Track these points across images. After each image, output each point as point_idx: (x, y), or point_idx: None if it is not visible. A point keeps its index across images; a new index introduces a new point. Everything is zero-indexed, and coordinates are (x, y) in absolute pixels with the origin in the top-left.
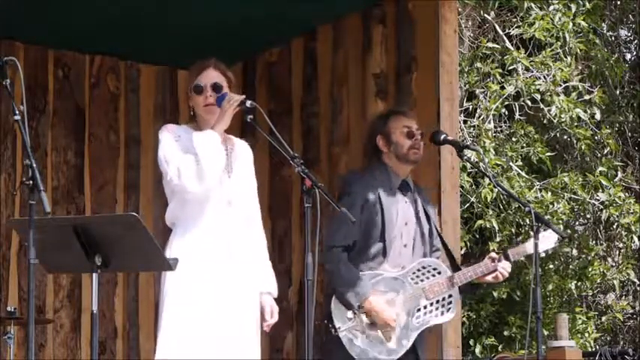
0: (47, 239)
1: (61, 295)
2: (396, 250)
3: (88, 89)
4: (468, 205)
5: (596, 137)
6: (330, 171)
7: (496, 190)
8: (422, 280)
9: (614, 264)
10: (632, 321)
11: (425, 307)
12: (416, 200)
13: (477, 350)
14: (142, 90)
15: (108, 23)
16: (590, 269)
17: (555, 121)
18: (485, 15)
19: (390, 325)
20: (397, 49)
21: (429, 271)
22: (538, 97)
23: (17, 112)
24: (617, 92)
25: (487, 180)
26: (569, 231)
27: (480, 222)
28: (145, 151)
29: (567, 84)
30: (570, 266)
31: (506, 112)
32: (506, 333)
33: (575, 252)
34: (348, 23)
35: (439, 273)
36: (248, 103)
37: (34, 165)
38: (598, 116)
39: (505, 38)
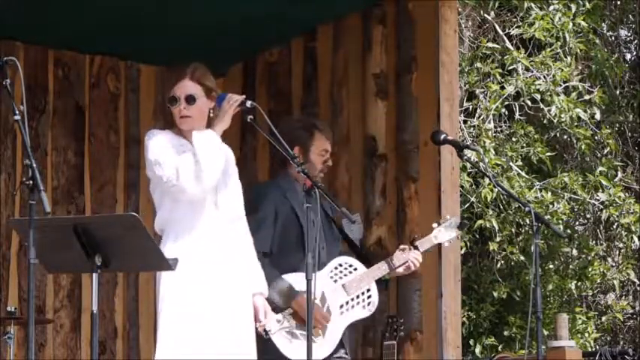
0: (47, 239)
1: (61, 295)
2: (314, 252)
3: (88, 89)
4: (468, 205)
5: (596, 137)
6: (330, 171)
7: (496, 190)
8: (340, 278)
9: (614, 264)
10: (632, 321)
11: (347, 303)
12: (321, 205)
13: (477, 350)
14: (141, 90)
15: (108, 23)
16: (590, 269)
17: (555, 121)
18: (485, 15)
19: (322, 322)
20: (397, 49)
21: (345, 268)
22: (538, 97)
23: (17, 112)
24: (617, 92)
25: (487, 180)
26: (569, 231)
27: (480, 222)
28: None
29: (567, 84)
30: (570, 266)
31: (506, 112)
32: (506, 333)
33: (575, 252)
34: (348, 23)
35: (355, 269)
36: (248, 104)
37: (34, 165)
38: (598, 116)
39: (505, 38)
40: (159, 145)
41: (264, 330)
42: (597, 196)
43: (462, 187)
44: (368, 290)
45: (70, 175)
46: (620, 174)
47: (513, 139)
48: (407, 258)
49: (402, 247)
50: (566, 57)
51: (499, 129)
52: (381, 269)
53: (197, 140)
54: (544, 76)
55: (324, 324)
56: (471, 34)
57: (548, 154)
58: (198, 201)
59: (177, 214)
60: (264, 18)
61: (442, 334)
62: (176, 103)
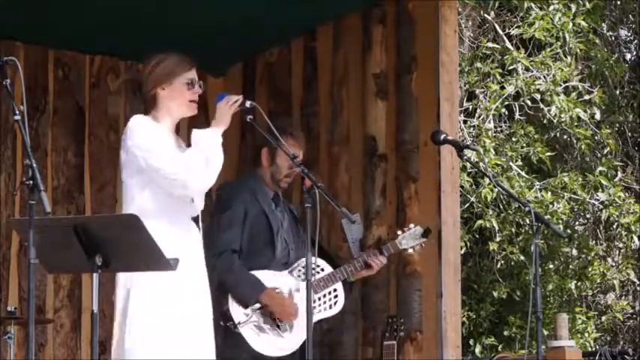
0: (47, 239)
1: (61, 295)
2: (282, 253)
3: (88, 89)
4: (467, 205)
5: (596, 137)
6: (330, 171)
7: (496, 190)
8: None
9: (614, 264)
10: (632, 321)
11: (314, 302)
12: (289, 208)
13: (477, 350)
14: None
15: (108, 23)
16: (590, 269)
17: (555, 121)
18: (485, 15)
19: (291, 317)
20: (397, 49)
21: (313, 268)
22: (538, 97)
23: (17, 112)
24: (617, 92)
25: (487, 180)
26: (569, 231)
27: (479, 222)
28: None
29: (567, 84)
30: (570, 266)
31: (506, 112)
32: (506, 333)
33: (575, 252)
34: (348, 23)
35: (322, 269)
36: (248, 104)
37: (34, 165)
38: (598, 116)
39: (505, 38)
40: (154, 135)
41: (233, 323)
42: (597, 196)
43: (462, 187)
44: (335, 290)
45: (70, 175)
46: (620, 174)
47: (513, 139)
48: (372, 260)
49: (367, 250)
50: (566, 57)
51: (499, 129)
52: (346, 270)
53: (203, 138)
54: (544, 76)
55: (292, 320)
56: (471, 34)
57: (548, 154)
58: (181, 195)
59: (159, 204)
60: (264, 18)
61: (442, 334)
62: (194, 86)
